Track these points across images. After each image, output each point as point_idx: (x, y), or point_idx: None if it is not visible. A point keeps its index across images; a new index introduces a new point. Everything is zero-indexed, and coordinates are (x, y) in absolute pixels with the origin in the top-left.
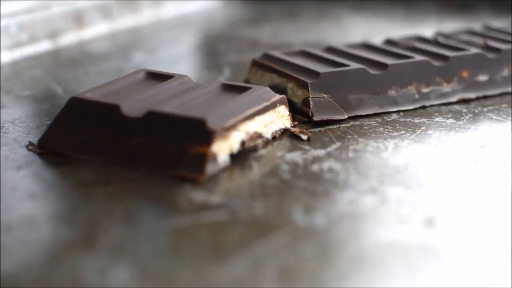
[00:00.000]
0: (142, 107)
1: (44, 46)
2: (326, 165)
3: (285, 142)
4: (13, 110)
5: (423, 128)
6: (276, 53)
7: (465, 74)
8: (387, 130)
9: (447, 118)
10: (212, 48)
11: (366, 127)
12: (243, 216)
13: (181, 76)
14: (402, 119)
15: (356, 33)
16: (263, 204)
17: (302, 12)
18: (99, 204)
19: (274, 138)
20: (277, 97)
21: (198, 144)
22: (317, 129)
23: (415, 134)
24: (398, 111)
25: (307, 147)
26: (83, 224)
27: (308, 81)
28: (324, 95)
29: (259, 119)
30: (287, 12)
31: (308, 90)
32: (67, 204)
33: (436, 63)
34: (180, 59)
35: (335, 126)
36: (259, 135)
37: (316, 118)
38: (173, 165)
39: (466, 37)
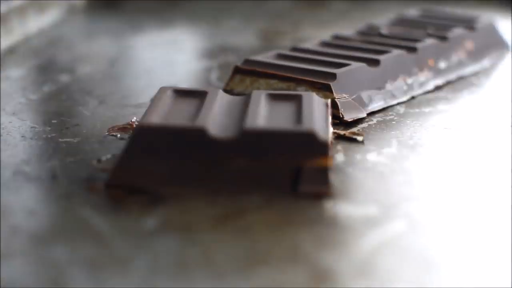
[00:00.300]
0: (223, 127)
1: None
2: (419, 158)
3: (344, 146)
4: None
5: (435, 114)
6: (260, 58)
7: (431, 62)
8: (414, 121)
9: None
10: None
11: (393, 122)
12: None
13: (215, 91)
14: (411, 110)
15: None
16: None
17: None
18: (264, 235)
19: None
20: (329, 101)
21: (314, 157)
22: (352, 129)
23: (432, 120)
24: (398, 103)
25: (371, 148)
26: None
27: (330, 82)
28: (344, 95)
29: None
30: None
31: (332, 92)
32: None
33: (410, 55)
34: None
35: (365, 124)
36: (331, 142)
37: (347, 118)
38: (294, 183)
39: (399, 29)
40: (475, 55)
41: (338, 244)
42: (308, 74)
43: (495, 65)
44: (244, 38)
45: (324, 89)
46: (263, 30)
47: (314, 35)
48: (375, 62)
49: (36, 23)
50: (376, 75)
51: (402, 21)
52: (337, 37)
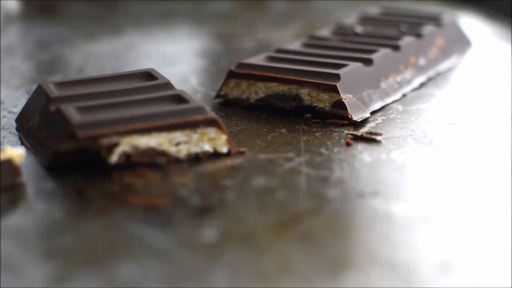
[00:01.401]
0: None
1: None
2: (442, 156)
3: (365, 146)
4: None
5: (430, 109)
6: (254, 60)
7: (412, 60)
8: (418, 118)
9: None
10: None
11: (398, 120)
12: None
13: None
14: (409, 108)
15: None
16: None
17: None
18: (332, 239)
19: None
20: (203, 117)
21: None
22: (363, 129)
23: (430, 113)
24: (394, 102)
25: (391, 147)
26: None
27: (336, 83)
28: (349, 95)
29: (159, 136)
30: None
31: (339, 93)
32: None
33: (395, 53)
34: None
35: (372, 124)
36: (160, 153)
37: (355, 118)
38: None
39: (371, 28)
40: (445, 52)
41: (411, 243)
42: (311, 76)
43: (463, 61)
44: (205, 42)
45: (330, 90)
46: (219, 33)
47: (275, 36)
48: (368, 62)
49: None
50: (371, 75)
51: (369, 20)
52: (316, 38)
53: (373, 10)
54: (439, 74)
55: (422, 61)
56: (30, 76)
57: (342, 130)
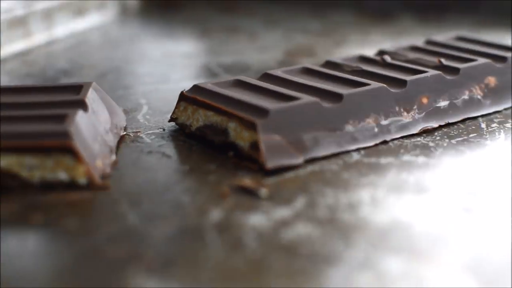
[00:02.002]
0: None
1: None
2: (298, 230)
3: (240, 199)
4: None
5: (394, 171)
6: (210, 85)
7: (424, 100)
8: (354, 176)
9: (416, 156)
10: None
11: (328, 173)
12: None
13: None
14: (366, 160)
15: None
16: None
17: (212, 28)
18: None
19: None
20: (57, 142)
21: None
22: (271, 179)
23: (387, 180)
24: (358, 149)
25: (267, 205)
26: None
27: (256, 120)
28: (276, 136)
29: (10, 157)
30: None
31: (256, 132)
32: None
33: (394, 89)
34: None
35: (292, 174)
36: (12, 175)
37: (269, 165)
38: None
39: (413, 55)
40: (495, 94)
41: None
42: (242, 109)
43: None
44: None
45: (250, 128)
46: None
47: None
48: (336, 97)
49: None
50: (333, 113)
51: (421, 47)
52: (326, 64)
53: (441, 37)
54: (467, 120)
55: (443, 103)
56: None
57: (242, 175)
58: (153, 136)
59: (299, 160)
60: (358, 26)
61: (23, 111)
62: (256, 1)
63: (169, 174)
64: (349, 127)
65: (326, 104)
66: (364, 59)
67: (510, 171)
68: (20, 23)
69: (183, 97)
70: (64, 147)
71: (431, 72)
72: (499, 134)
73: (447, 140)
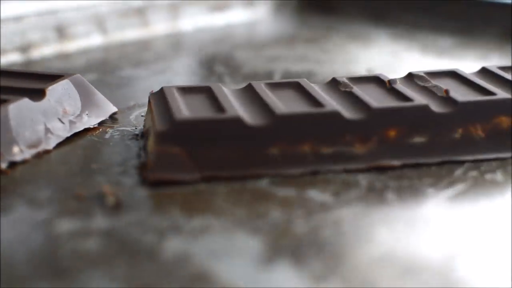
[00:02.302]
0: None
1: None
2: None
3: (85, 203)
4: None
5: (287, 207)
6: (172, 89)
7: (392, 133)
8: (238, 205)
9: (323, 192)
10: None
11: (213, 196)
12: None
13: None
14: (268, 189)
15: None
16: None
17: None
18: None
19: None
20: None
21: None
22: (147, 191)
23: (241, 213)
24: (277, 175)
25: (97, 213)
26: None
27: (158, 129)
28: (176, 149)
29: None
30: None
31: (155, 141)
32: None
33: (355, 116)
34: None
35: (176, 190)
36: None
37: (151, 177)
38: None
39: (437, 82)
40: (504, 138)
41: None
42: (163, 116)
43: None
44: None
45: (154, 135)
46: None
47: None
48: (269, 116)
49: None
50: (259, 132)
51: (455, 73)
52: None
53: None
54: (442, 164)
55: (420, 139)
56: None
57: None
58: (117, 133)
59: (194, 176)
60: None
61: None
62: None
63: (68, 169)
64: (273, 150)
65: (254, 121)
66: (367, 78)
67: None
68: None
69: (150, 98)
70: None
71: (415, 102)
72: (466, 189)
73: (392, 183)
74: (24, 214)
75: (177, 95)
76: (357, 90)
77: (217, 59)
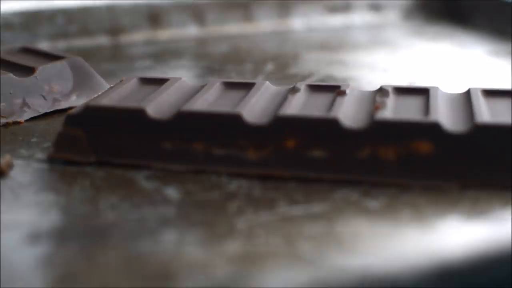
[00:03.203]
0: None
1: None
2: None
3: None
4: None
5: (131, 197)
6: (134, 78)
7: (290, 143)
8: (96, 189)
9: (180, 189)
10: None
11: (85, 177)
12: None
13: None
14: (138, 179)
15: None
16: None
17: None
18: None
19: None
20: None
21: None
22: (40, 166)
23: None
24: (162, 169)
25: None
26: None
27: (72, 111)
28: (79, 131)
29: None
30: None
31: (64, 121)
32: None
33: (251, 119)
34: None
35: (72, 169)
36: None
37: (51, 154)
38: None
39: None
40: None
41: None
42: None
43: None
44: None
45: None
46: None
47: None
48: None
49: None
50: (162, 127)
51: None
52: None
53: None
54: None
55: (317, 153)
56: None
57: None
58: None
59: (88, 158)
60: None
61: None
62: None
63: (13, 139)
64: (167, 145)
65: (157, 115)
66: (325, 87)
67: None
68: None
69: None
70: None
71: (322, 114)
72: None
73: (270, 194)
74: None
75: (130, 84)
76: (300, 97)
77: (277, 59)
